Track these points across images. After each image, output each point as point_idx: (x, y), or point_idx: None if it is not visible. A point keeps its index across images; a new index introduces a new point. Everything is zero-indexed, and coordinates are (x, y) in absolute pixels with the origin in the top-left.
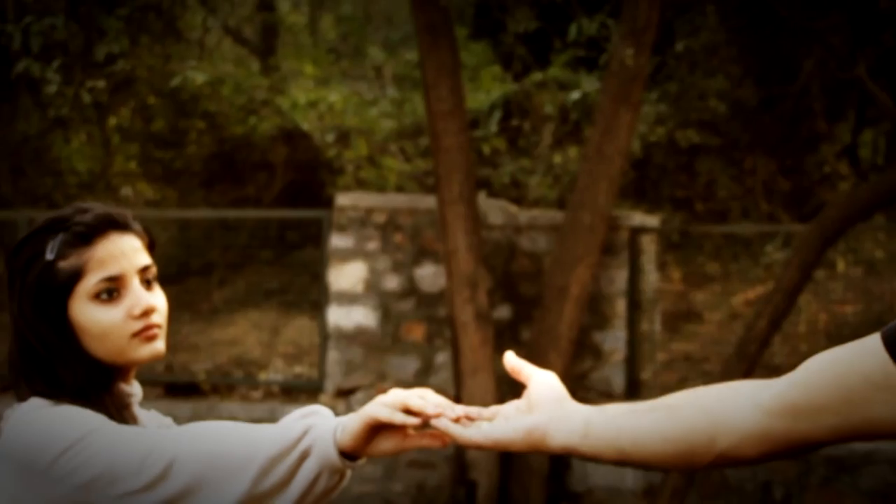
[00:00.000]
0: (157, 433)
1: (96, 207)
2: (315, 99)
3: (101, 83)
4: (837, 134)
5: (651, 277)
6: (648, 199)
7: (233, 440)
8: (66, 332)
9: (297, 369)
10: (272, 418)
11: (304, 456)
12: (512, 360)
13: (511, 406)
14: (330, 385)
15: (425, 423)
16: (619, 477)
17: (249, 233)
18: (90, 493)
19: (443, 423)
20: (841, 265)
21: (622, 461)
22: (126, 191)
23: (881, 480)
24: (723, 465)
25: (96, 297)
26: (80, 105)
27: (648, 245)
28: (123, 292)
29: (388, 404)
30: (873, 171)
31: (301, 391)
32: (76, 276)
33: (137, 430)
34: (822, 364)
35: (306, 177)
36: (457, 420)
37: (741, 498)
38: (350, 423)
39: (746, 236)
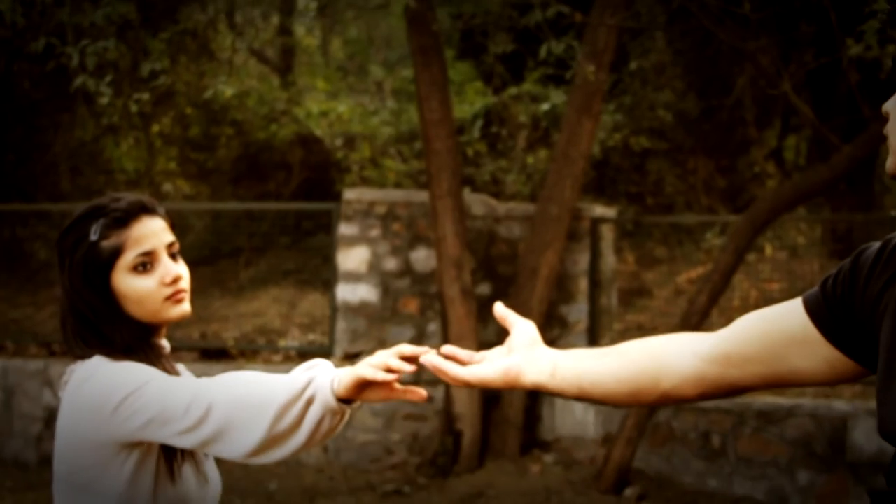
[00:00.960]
0: (196, 383)
1: (128, 196)
2: (326, 109)
3: (145, 96)
4: (766, 139)
5: (609, 260)
6: (607, 194)
7: (253, 390)
8: (111, 300)
9: (311, 337)
10: None
11: (309, 402)
12: (500, 310)
13: (495, 351)
14: (338, 350)
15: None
16: (581, 428)
17: (270, 222)
18: (146, 433)
19: (438, 361)
20: (769, 250)
21: (582, 397)
22: (167, 187)
23: (802, 431)
24: (666, 403)
25: (134, 269)
26: (128, 114)
27: (607, 233)
28: (156, 264)
29: (374, 365)
30: (796, 171)
31: (314, 355)
32: (117, 252)
33: (182, 381)
34: (752, 321)
35: (318, 175)
36: (449, 358)
37: (684, 445)
38: (344, 378)
39: (689, 225)
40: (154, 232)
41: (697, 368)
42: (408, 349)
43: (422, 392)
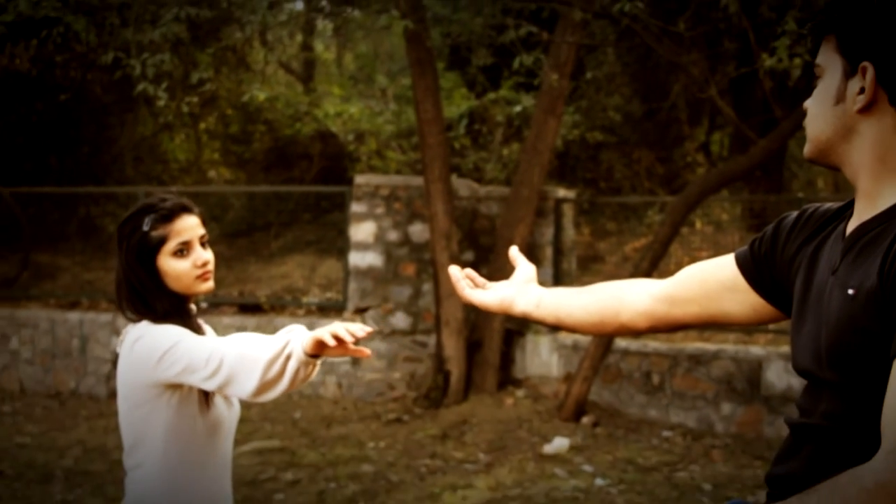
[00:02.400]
0: (211, 343)
1: (173, 197)
2: (340, 111)
3: (194, 99)
4: (696, 135)
5: (569, 232)
6: (567, 179)
7: (248, 350)
8: (156, 276)
9: (328, 294)
10: (311, 327)
11: (288, 357)
12: (513, 252)
13: (500, 283)
14: (350, 305)
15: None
16: (547, 368)
17: (295, 202)
18: (181, 378)
19: (458, 278)
20: (698, 224)
21: (559, 325)
22: (212, 173)
23: (725, 371)
24: (622, 333)
25: (174, 254)
26: (180, 114)
27: (567, 210)
28: (191, 251)
29: (328, 331)
30: (720, 161)
31: (330, 309)
32: (162, 241)
33: (203, 342)
34: (693, 270)
35: (334, 164)
36: (468, 277)
37: (630, 382)
38: (309, 339)
39: (634, 205)
40: (191, 226)
41: (648, 306)
42: (352, 327)
43: (366, 352)
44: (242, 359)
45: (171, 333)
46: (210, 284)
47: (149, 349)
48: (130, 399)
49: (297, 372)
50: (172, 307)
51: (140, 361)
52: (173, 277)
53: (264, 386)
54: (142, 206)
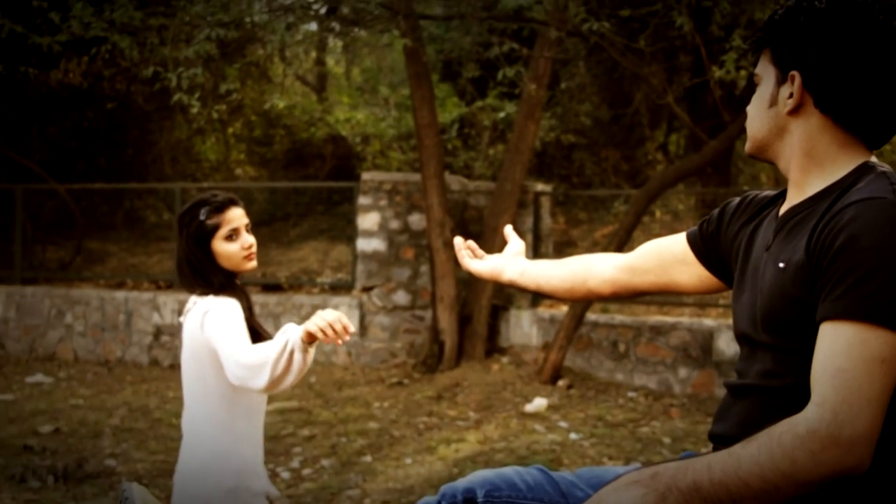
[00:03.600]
0: (241, 344)
1: (223, 193)
2: (349, 117)
3: (223, 107)
4: (656, 136)
5: (547, 221)
6: (545, 175)
7: (258, 352)
8: (211, 256)
9: (339, 275)
10: (324, 304)
11: (291, 352)
12: (507, 230)
13: (494, 255)
14: (358, 284)
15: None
16: (528, 338)
17: (310, 195)
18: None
19: (459, 248)
20: (658, 214)
21: (539, 291)
22: (238, 171)
23: (682, 340)
24: (590, 297)
25: (226, 238)
26: (211, 120)
27: (545, 202)
28: (238, 236)
29: (314, 323)
30: (677, 158)
31: (341, 288)
32: (216, 228)
33: (234, 341)
34: (651, 245)
35: (344, 163)
36: (468, 248)
37: (600, 350)
38: (303, 331)
39: (602, 197)
40: (238, 216)
41: (612, 274)
42: (336, 324)
43: (348, 332)
44: (253, 361)
45: (225, 320)
46: (254, 263)
47: (210, 325)
48: (196, 355)
49: (302, 362)
50: (226, 281)
51: (208, 331)
52: (225, 257)
53: (276, 380)
54: (198, 199)
